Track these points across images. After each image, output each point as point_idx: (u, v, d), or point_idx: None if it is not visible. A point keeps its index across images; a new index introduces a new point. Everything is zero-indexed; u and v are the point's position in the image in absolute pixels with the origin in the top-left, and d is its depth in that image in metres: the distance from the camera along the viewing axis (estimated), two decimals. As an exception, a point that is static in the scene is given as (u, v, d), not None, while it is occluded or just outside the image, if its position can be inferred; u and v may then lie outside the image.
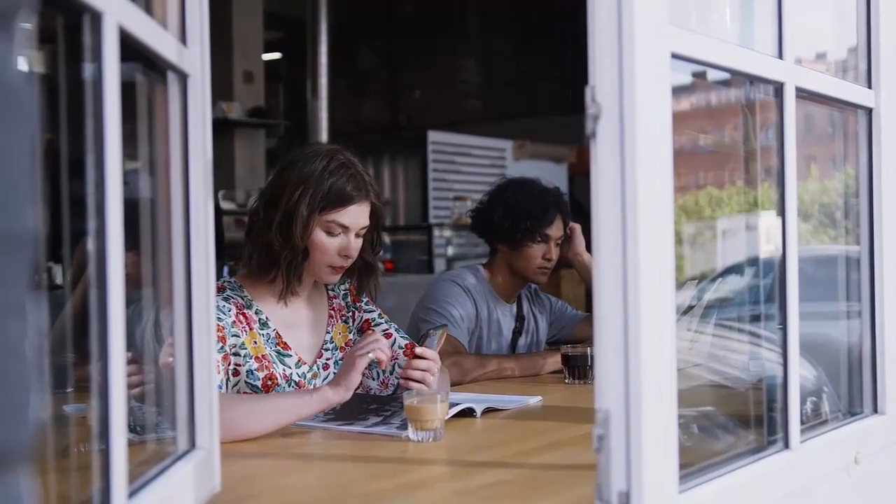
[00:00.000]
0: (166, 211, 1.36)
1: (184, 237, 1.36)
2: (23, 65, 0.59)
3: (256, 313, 2.23)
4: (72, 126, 1.05)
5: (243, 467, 1.70)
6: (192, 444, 1.37)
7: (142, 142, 1.34)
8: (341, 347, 2.36)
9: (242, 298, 2.23)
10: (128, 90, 1.08)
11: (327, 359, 2.33)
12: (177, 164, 1.36)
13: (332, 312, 2.38)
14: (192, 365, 1.37)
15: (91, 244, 1.01)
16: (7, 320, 0.55)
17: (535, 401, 2.35)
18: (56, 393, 1.31)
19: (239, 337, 2.15)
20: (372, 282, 2.36)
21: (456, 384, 2.69)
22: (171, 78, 1.33)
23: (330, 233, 2.19)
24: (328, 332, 2.35)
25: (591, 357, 2.65)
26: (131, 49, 1.10)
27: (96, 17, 0.99)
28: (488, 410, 2.19)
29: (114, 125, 1.02)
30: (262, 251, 2.21)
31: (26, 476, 0.58)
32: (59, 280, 2.28)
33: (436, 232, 7.53)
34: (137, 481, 1.15)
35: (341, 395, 1.97)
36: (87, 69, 1.01)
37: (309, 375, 2.27)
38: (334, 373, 2.30)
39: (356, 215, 2.20)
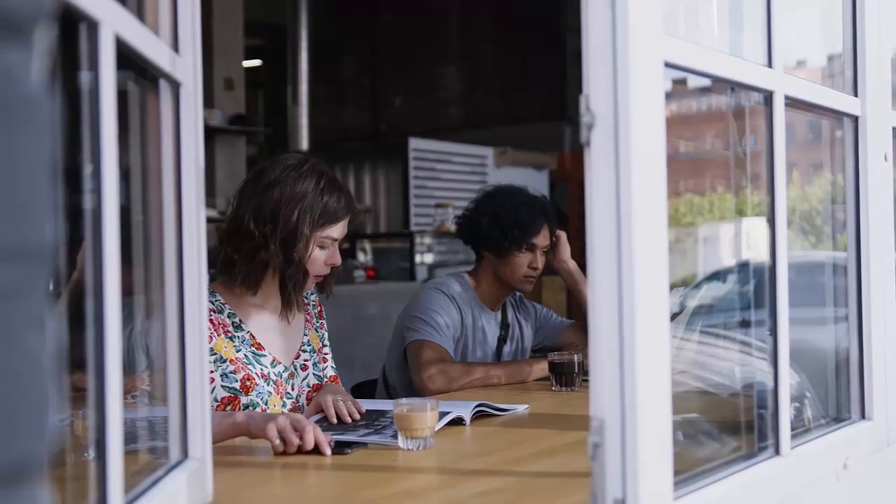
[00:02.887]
0: (158, 219, 1.35)
1: (176, 246, 1.35)
2: (40, 77, 0.59)
3: (229, 317, 2.27)
4: (65, 133, 1.04)
5: (235, 477, 1.69)
6: (185, 454, 1.36)
7: (133, 150, 1.34)
8: (317, 351, 2.44)
9: (213, 303, 2.26)
10: (119, 98, 1.08)
11: (305, 360, 2.39)
12: (169, 172, 1.35)
13: (308, 317, 2.45)
14: (184, 375, 1.36)
15: (87, 252, 1.01)
16: (27, 332, 0.55)
17: (522, 409, 2.36)
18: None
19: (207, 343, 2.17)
20: (333, 279, 2.42)
21: (443, 392, 2.70)
22: (164, 86, 1.33)
23: (322, 247, 2.28)
24: (305, 335, 2.42)
25: (578, 364, 2.66)
26: (124, 57, 1.10)
27: (93, 26, 0.98)
28: (479, 415, 2.19)
29: (110, 133, 1.01)
30: (259, 267, 2.25)
31: (45, 488, 0.58)
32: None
33: (417, 239, 7.51)
34: (132, 492, 1.15)
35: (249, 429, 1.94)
36: (83, 77, 1.01)
37: (286, 375, 2.32)
38: (313, 374, 2.39)
39: (344, 227, 2.32)
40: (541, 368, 2.83)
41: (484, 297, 3.09)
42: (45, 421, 0.56)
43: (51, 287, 1.34)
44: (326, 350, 2.50)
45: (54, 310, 0.60)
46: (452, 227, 3.26)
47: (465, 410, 2.16)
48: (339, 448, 1.86)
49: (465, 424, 2.12)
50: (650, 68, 1.19)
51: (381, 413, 2.20)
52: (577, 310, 3.30)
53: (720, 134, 1.95)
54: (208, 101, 7.38)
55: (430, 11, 9.80)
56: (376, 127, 10.37)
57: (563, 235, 3.14)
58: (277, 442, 1.83)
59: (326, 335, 2.52)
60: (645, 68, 1.17)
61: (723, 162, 2.00)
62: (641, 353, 1.15)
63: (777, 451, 1.52)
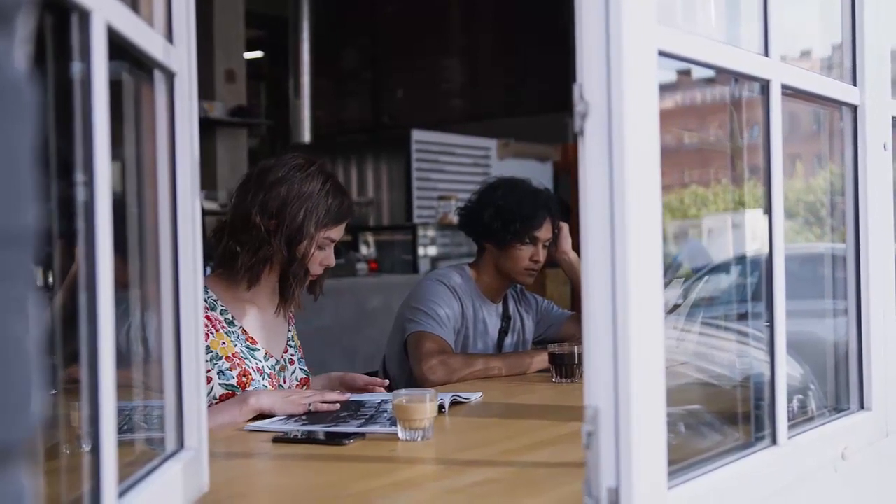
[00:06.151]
0: (153, 211, 1.35)
1: (171, 238, 1.35)
2: (22, 63, 0.59)
3: (221, 313, 2.31)
4: (56, 125, 1.04)
5: (231, 467, 1.69)
6: (181, 444, 1.36)
7: (128, 141, 1.34)
8: (299, 347, 2.50)
9: (206, 300, 2.28)
10: (113, 89, 1.07)
11: (291, 354, 2.45)
12: (163, 163, 1.35)
13: (291, 316, 2.50)
14: (179, 365, 1.36)
15: (78, 245, 1.01)
16: (10, 317, 0.55)
17: (475, 397, 2.38)
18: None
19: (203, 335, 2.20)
20: (323, 281, 2.46)
21: (443, 383, 2.70)
22: (158, 77, 1.33)
23: (320, 247, 2.33)
24: (290, 331, 2.48)
25: (578, 355, 2.66)
26: (118, 47, 1.10)
27: (84, 16, 0.98)
28: (454, 404, 2.24)
29: (102, 124, 1.01)
30: (262, 262, 2.29)
31: (28, 472, 0.58)
32: (38, 282, 2.28)
33: (420, 231, 7.51)
34: (126, 481, 1.15)
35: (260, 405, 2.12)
36: (75, 67, 1.01)
37: (277, 368, 2.37)
38: (300, 368, 2.46)
39: (342, 230, 2.38)
40: (541, 360, 2.83)
41: (485, 288, 3.09)
42: (28, 406, 0.57)
43: (51, 280, 1.34)
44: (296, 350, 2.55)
45: (38, 295, 0.60)
46: (455, 220, 3.25)
47: (444, 398, 2.20)
48: (337, 439, 1.86)
49: (444, 413, 2.14)
50: (644, 57, 1.19)
51: (361, 403, 2.22)
52: (579, 302, 3.29)
53: (726, 125, 1.95)
54: (209, 94, 7.39)
55: (431, 2, 9.79)
56: (378, 119, 10.37)
57: (565, 227, 3.14)
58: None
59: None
60: (638, 57, 1.17)
61: (728, 153, 2.00)
62: (635, 341, 1.15)
63: (774, 441, 1.52)
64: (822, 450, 1.67)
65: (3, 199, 0.55)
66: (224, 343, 2.26)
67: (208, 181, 7.33)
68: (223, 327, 2.28)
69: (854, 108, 1.82)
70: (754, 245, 1.88)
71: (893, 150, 1.90)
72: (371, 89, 10.53)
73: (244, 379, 2.24)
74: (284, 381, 2.38)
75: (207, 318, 2.24)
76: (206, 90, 7.31)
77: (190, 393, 1.37)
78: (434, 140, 8.28)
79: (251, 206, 2.27)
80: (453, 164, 8.31)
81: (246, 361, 2.27)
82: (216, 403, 2.18)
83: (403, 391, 1.96)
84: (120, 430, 1.18)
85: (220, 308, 2.30)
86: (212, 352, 2.22)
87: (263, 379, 2.29)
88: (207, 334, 2.22)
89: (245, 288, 2.31)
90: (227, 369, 2.23)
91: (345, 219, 2.36)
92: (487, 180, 3.21)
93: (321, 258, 2.34)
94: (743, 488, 1.43)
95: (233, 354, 2.26)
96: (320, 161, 2.39)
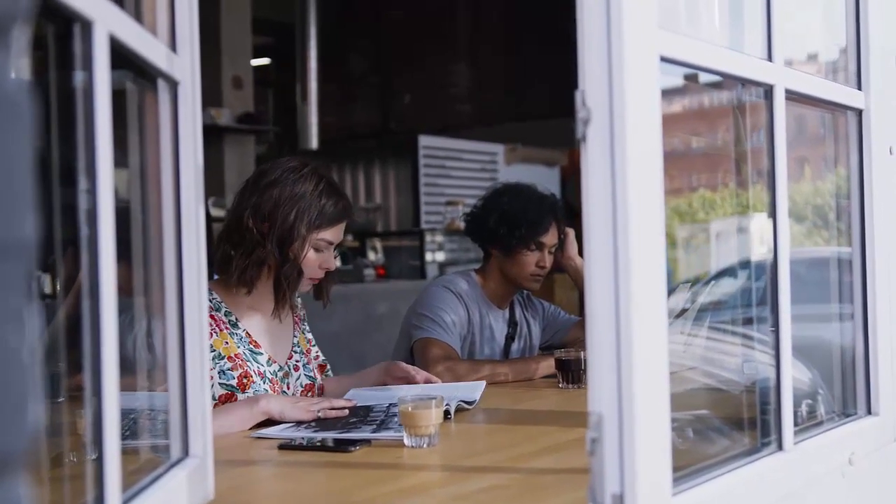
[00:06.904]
0: (157, 219, 1.35)
1: (175, 245, 1.36)
2: (20, 74, 0.60)
3: (226, 315, 2.31)
4: (61, 133, 1.05)
5: (236, 475, 1.69)
6: (186, 452, 1.37)
7: (132, 150, 1.34)
8: (306, 353, 2.49)
9: (211, 301, 2.29)
10: (117, 98, 1.08)
11: (296, 361, 2.44)
12: (167, 171, 1.35)
13: (297, 320, 2.50)
14: (184, 373, 1.37)
15: (83, 253, 1.01)
16: (6, 328, 0.56)
17: (480, 388, 2.41)
18: (48, 402, 1.31)
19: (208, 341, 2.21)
20: (329, 286, 2.45)
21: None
22: (162, 85, 1.33)
23: (317, 249, 2.32)
24: (295, 337, 2.47)
25: (585, 361, 2.65)
26: (121, 56, 1.10)
27: (87, 26, 0.99)
28: (460, 410, 2.24)
29: (105, 133, 1.02)
30: (255, 264, 2.28)
31: (25, 482, 0.58)
32: (47, 289, 2.29)
33: (427, 237, 7.50)
34: (131, 489, 1.15)
35: (272, 408, 2.11)
36: (78, 77, 1.01)
37: (280, 374, 2.37)
38: (304, 374, 2.44)
39: (339, 232, 2.36)
40: (547, 365, 2.82)
41: (491, 294, 3.09)
42: (25, 416, 0.57)
43: (58, 288, 1.34)
44: (316, 349, 2.55)
45: (36, 305, 0.61)
46: (462, 225, 3.26)
47: (453, 396, 2.21)
48: (343, 445, 1.86)
49: (450, 419, 2.13)
50: (645, 63, 1.19)
51: (370, 409, 2.22)
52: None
53: (732, 129, 1.94)
54: (216, 100, 7.38)
55: (438, 7, 9.78)
56: (386, 124, 10.36)
57: (571, 233, 3.13)
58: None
59: (311, 336, 2.56)
60: (640, 63, 1.17)
61: (735, 157, 2.00)
62: (638, 347, 1.15)
63: (780, 447, 1.51)
64: (829, 455, 1.67)
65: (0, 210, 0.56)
66: (227, 343, 2.26)
67: (216, 188, 7.33)
68: (227, 328, 2.28)
69: (859, 113, 1.82)
70: (761, 249, 1.88)
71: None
72: (378, 94, 10.52)
73: (245, 381, 2.25)
74: (288, 388, 2.37)
75: (212, 317, 2.25)
76: (213, 97, 7.31)
77: (195, 400, 1.37)
78: (441, 145, 8.29)
79: (244, 209, 2.28)
80: (461, 170, 8.32)
81: (248, 364, 2.27)
82: (217, 404, 2.19)
83: (409, 397, 1.96)
84: (124, 437, 1.18)
85: (224, 310, 2.31)
86: (214, 351, 2.22)
87: (264, 383, 2.28)
88: (211, 333, 2.22)
89: (245, 293, 2.31)
90: (229, 369, 2.23)
91: (339, 220, 2.33)
92: (493, 186, 3.21)
93: (320, 261, 2.32)
94: (749, 494, 1.42)
95: (235, 355, 2.26)
96: (315, 163, 2.38)
